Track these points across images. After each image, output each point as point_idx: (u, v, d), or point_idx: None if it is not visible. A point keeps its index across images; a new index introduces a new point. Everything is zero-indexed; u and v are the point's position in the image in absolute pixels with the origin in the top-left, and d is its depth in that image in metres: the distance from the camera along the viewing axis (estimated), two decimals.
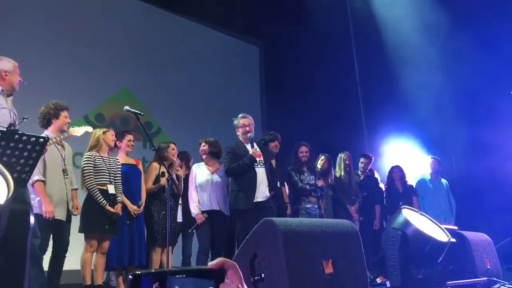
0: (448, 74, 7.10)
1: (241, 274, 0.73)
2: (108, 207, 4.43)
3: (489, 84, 6.97)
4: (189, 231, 5.26)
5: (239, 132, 5.02)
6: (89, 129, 4.43)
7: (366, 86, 8.70)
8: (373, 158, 6.94)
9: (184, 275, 0.70)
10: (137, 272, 0.67)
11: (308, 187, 5.61)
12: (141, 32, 7.98)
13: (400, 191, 6.74)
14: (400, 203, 5.78)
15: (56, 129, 4.21)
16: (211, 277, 0.72)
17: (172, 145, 5.27)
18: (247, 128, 4.95)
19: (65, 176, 4.23)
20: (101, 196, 4.43)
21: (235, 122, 5.07)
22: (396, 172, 6.81)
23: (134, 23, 7.91)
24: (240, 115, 5.08)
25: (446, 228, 3.25)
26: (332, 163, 6.24)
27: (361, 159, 6.79)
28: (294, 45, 9.05)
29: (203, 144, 5.37)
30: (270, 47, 10.12)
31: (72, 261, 4.96)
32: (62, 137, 4.11)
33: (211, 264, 0.73)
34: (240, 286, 0.72)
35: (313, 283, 2.46)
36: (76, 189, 4.43)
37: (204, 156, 5.34)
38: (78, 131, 4.27)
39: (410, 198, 6.59)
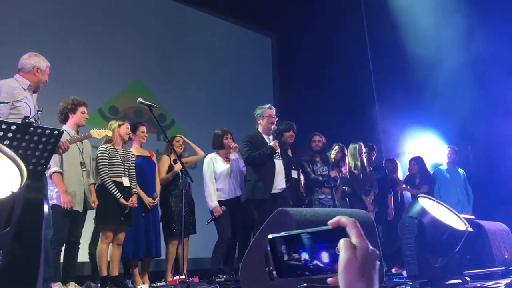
0: (465, 63, 6.98)
1: (360, 229, 0.73)
2: (122, 200, 4.46)
3: (506, 73, 6.84)
4: (206, 223, 5.23)
5: (263, 122, 4.98)
6: (109, 133, 4.50)
7: (380, 76, 8.61)
8: (375, 148, 6.84)
9: (310, 236, 0.76)
10: (271, 236, 0.77)
11: (320, 178, 5.56)
12: (153, 25, 7.98)
13: (416, 183, 6.70)
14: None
15: (74, 124, 4.28)
16: (333, 235, 0.75)
17: (176, 138, 5.33)
18: (273, 119, 4.95)
19: (83, 169, 4.29)
20: (115, 189, 4.46)
21: (259, 111, 5.02)
22: (414, 165, 6.76)
23: (146, 15, 7.91)
24: (267, 105, 5.04)
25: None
26: (347, 153, 6.17)
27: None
28: (307, 36, 8.98)
29: (230, 136, 5.32)
30: (282, 38, 10.06)
31: (87, 253, 5.02)
32: (82, 136, 4.18)
33: (330, 223, 0.76)
34: (360, 240, 0.72)
35: None
36: (94, 184, 4.47)
37: (229, 151, 5.30)
38: (99, 133, 4.34)
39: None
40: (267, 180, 4.76)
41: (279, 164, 4.88)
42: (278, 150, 4.88)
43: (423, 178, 6.69)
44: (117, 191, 4.46)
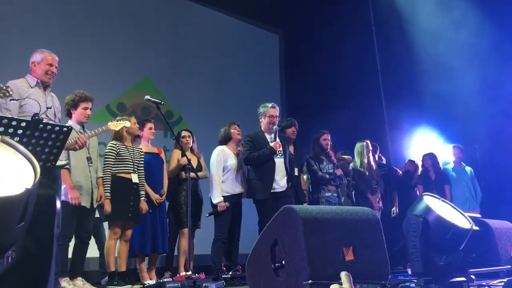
0: (471, 61, 6.95)
1: None
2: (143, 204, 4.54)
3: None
4: (206, 216, 5.18)
5: (265, 121, 4.97)
6: (127, 124, 4.42)
7: (387, 74, 8.59)
8: (378, 147, 6.82)
9: None
10: None
11: (327, 176, 5.58)
12: (161, 22, 8.02)
13: (432, 179, 6.70)
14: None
15: (76, 120, 4.22)
16: None
17: (183, 133, 5.33)
18: (274, 119, 4.94)
19: (90, 164, 4.28)
20: (109, 188, 4.47)
21: (262, 110, 5.00)
22: (427, 160, 6.78)
23: (154, 12, 7.96)
24: (269, 104, 4.99)
25: (469, 216, 3.22)
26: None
27: None
28: (314, 33, 8.97)
29: (239, 129, 5.22)
30: (290, 35, 10.06)
31: (95, 249, 5.07)
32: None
33: None
34: None
35: (333, 270, 2.47)
36: (102, 177, 4.48)
37: (239, 138, 5.19)
38: (116, 125, 4.33)
39: (443, 187, 6.54)
40: (266, 179, 4.76)
41: (280, 163, 4.86)
42: (280, 149, 4.88)
43: (438, 175, 6.70)
44: (109, 191, 4.45)
